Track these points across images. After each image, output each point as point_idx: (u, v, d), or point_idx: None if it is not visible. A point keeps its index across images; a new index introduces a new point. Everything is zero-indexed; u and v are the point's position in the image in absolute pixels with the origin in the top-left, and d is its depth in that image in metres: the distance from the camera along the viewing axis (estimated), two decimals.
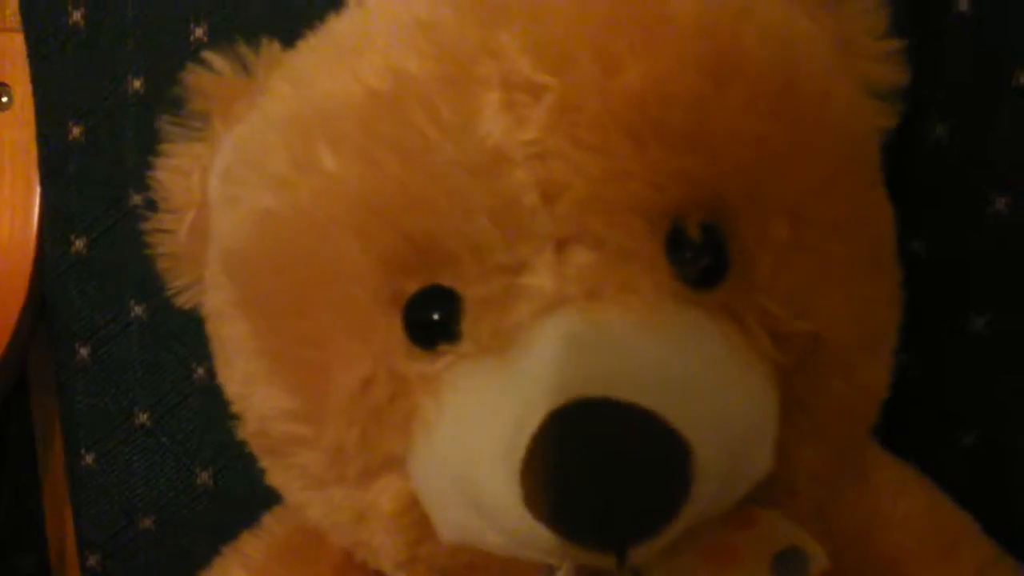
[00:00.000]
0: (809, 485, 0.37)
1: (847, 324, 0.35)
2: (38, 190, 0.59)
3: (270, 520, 0.45)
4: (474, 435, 0.32)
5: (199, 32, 0.56)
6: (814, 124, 0.34)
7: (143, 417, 0.59)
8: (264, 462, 0.40)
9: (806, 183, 0.34)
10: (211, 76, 0.39)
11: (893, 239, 0.38)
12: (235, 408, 0.39)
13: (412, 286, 0.34)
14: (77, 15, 0.58)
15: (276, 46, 0.39)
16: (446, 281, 0.33)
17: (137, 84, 0.57)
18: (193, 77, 0.39)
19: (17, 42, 0.59)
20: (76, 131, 0.58)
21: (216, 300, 0.39)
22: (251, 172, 0.37)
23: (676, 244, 0.33)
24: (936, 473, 0.45)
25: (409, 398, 0.34)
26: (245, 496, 0.52)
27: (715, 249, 0.33)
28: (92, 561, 0.60)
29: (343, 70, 0.35)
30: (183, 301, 0.41)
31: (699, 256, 0.33)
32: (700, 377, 0.31)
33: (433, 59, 0.33)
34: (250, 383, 0.38)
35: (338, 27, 0.38)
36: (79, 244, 0.58)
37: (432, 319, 0.33)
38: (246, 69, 0.39)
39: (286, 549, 0.43)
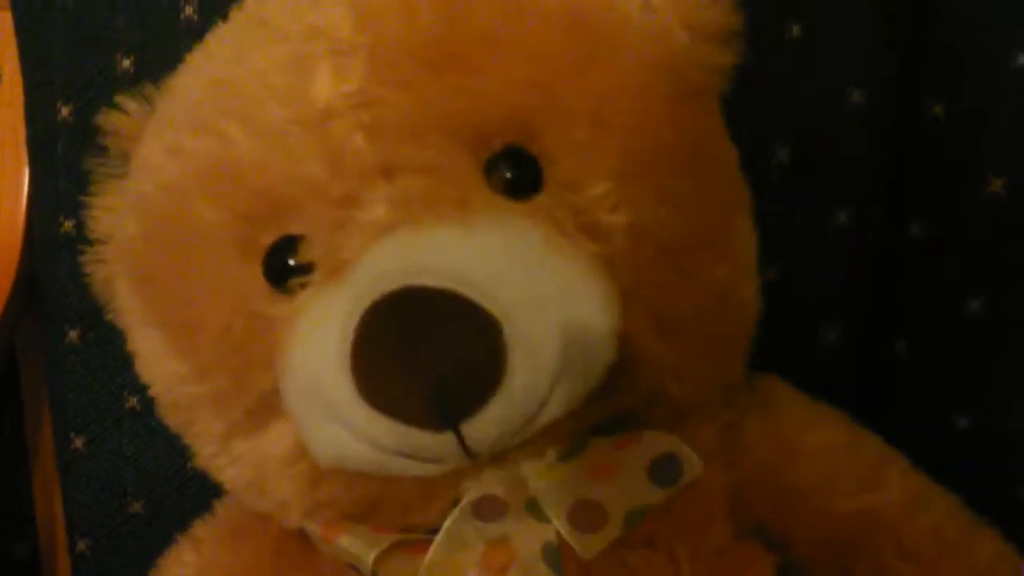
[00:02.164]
0: (678, 387, 0.39)
1: (669, 218, 0.37)
2: (27, 170, 0.59)
3: (219, 505, 0.47)
4: (315, 346, 0.35)
5: (189, 10, 0.56)
6: (605, 46, 0.38)
7: (133, 401, 0.58)
8: (186, 440, 0.43)
9: (600, 93, 0.37)
10: (123, 117, 0.44)
11: (723, 151, 0.41)
12: (151, 392, 0.43)
13: (268, 238, 0.37)
14: None
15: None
16: (297, 230, 0.37)
17: (127, 63, 0.57)
18: (108, 121, 0.44)
19: (5, 21, 0.58)
20: (65, 111, 0.58)
21: (120, 295, 0.43)
22: (136, 173, 0.42)
23: (494, 164, 0.37)
24: (930, 455, 0.44)
25: (272, 334, 0.37)
26: None
27: (526, 162, 0.37)
28: (82, 546, 0.59)
29: (201, 70, 0.41)
30: (119, 323, 0.44)
31: (513, 170, 0.37)
32: (510, 266, 0.35)
33: (271, 45, 0.38)
34: (151, 358, 0.41)
35: (208, 39, 0.42)
36: (68, 225, 0.58)
37: (288, 264, 0.37)
38: (151, 104, 0.43)
39: (231, 530, 0.46)
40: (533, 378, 0.34)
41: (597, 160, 0.37)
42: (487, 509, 0.38)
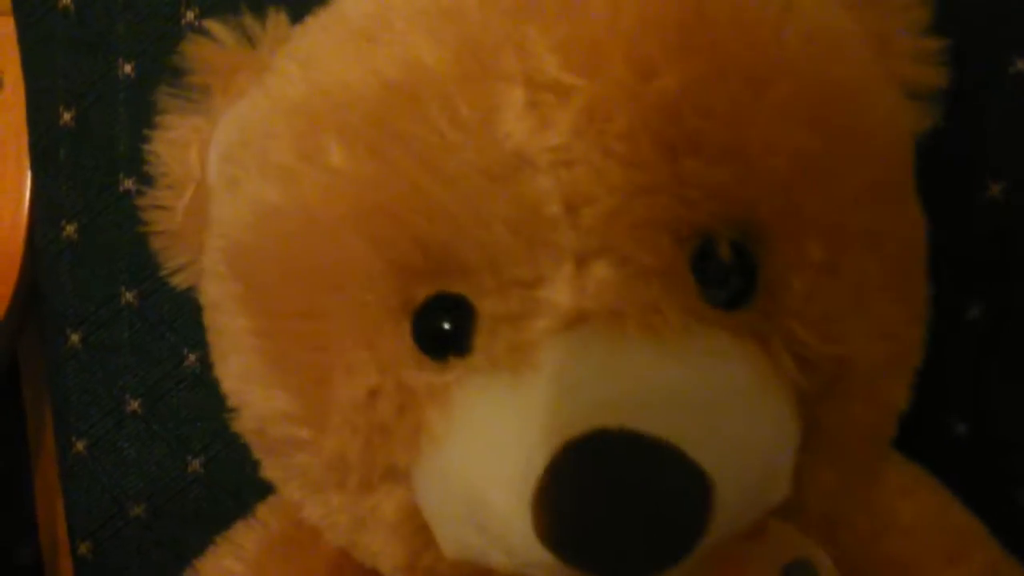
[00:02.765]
0: (822, 501, 0.36)
1: (875, 348, 0.34)
2: (29, 174, 0.59)
3: (265, 511, 0.43)
4: (485, 457, 0.30)
5: (190, 15, 0.56)
6: (854, 133, 0.33)
7: (134, 404, 0.58)
8: (261, 458, 0.39)
9: (844, 199, 0.32)
10: (212, 46, 0.37)
11: (924, 253, 0.37)
12: (231, 402, 0.38)
13: (423, 293, 0.32)
14: None
15: (284, 19, 0.37)
16: (459, 289, 0.32)
17: (128, 68, 0.57)
18: (193, 46, 0.37)
19: (7, 26, 0.58)
20: (67, 116, 0.58)
21: (215, 291, 0.37)
22: (254, 158, 0.35)
23: (704, 263, 0.31)
24: (928, 461, 0.44)
25: (416, 411, 0.32)
26: (237, 484, 0.52)
27: (745, 270, 0.32)
28: (83, 549, 0.59)
29: (357, 56, 0.33)
30: (178, 281, 0.40)
31: (728, 277, 0.31)
32: (722, 406, 0.30)
33: (453, 50, 0.31)
34: (248, 380, 0.36)
35: (352, 7, 0.35)
36: (70, 230, 0.58)
37: (443, 328, 0.32)
38: (250, 41, 0.37)
39: (281, 542, 0.42)
40: (722, 532, 0.30)
41: (826, 283, 0.32)
42: None
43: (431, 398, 0.32)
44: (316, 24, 0.36)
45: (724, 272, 0.31)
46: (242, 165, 0.35)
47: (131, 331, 0.58)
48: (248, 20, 0.37)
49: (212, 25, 0.37)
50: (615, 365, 0.30)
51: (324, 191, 0.32)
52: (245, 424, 0.38)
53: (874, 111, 0.34)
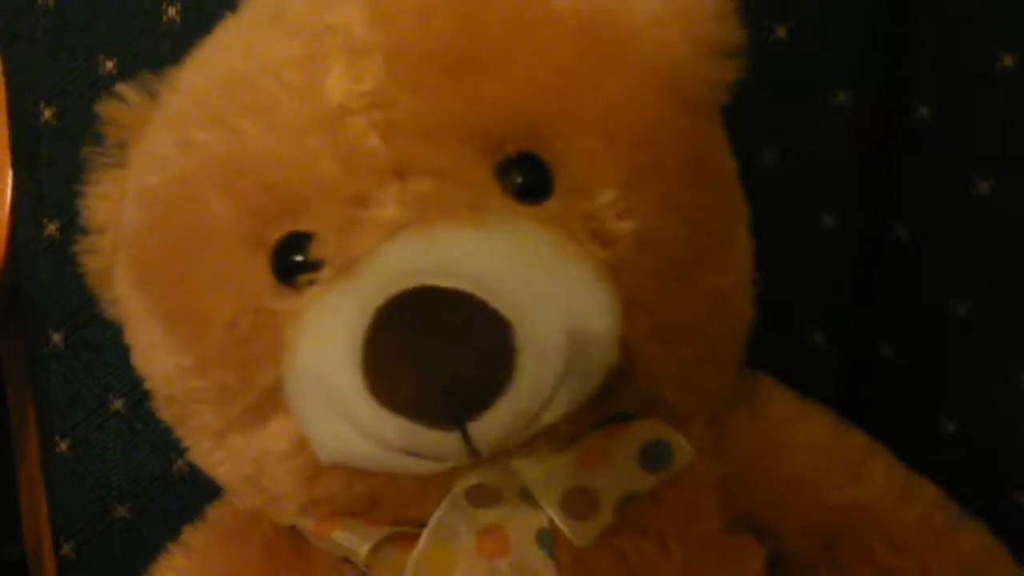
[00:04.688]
0: (673, 391, 0.39)
1: (673, 227, 0.38)
2: (11, 172, 0.59)
3: (210, 510, 0.48)
4: (324, 343, 0.36)
5: (171, 12, 0.55)
6: (614, 43, 0.38)
7: (118, 404, 0.58)
8: (180, 435, 0.43)
9: (611, 104, 0.38)
10: (122, 107, 0.43)
11: (723, 162, 0.41)
12: (148, 385, 0.43)
13: (276, 233, 0.37)
14: None
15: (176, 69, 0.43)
16: (306, 227, 0.37)
17: (109, 65, 0.57)
18: (107, 110, 0.43)
19: None
20: (48, 113, 0.57)
21: (119, 289, 0.42)
22: (144, 165, 0.41)
23: (505, 168, 0.37)
24: (918, 459, 0.44)
25: (278, 330, 0.37)
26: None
27: (537, 167, 0.37)
28: (67, 549, 0.59)
29: (213, 63, 0.41)
30: (113, 315, 0.44)
31: (524, 175, 0.37)
32: (521, 268, 0.35)
33: (285, 41, 0.38)
34: (151, 351, 0.41)
35: (217, 33, 0.42)
36: (52, 228, 0.58)
37: (295, 260, 0.37)
38: (152, 96, 0.43)
39: (221, 533, 0.46)
40: (540, 379, 0.34)
41: (607, 169, 0.37)
42: (479, 497, 0.39)
43: (290, 320, 0.37)
44: (190, 59, 0.43)
45: (520, 173, 0.37)
46: (136, 178, 0.42)
47: (114, 331, 0.57)
48: (150, 79, 0.43)
49: (121, 89, 0.43)
50: (425, 248, 0.35)
51: (190, 164, 0.39)
52: (158, 399, 0.43)
53: (634, 27, 0.39)
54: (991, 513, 0.44)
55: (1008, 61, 0.52)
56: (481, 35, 0.37)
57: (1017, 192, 0.52)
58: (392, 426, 0.34)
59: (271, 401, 0.39)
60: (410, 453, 0.35)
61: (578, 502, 0.38)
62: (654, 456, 0.39)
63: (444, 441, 0.34)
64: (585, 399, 0.37)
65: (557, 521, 0.38)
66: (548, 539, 0.38)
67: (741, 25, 0.40)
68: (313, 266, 0.37)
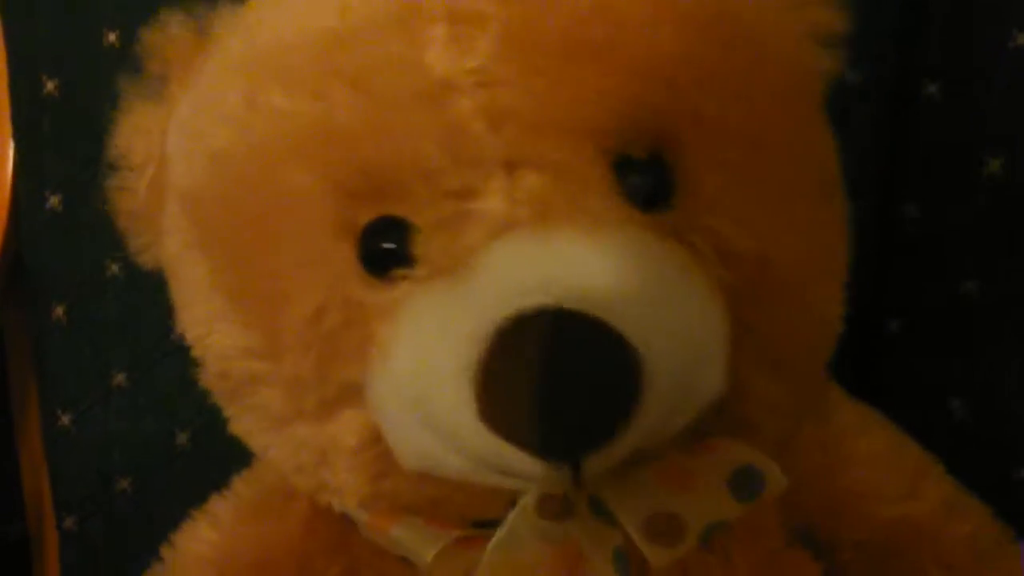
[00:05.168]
0: (768, 418, 0.37)
1: (794, 247, 0.36)
2: (12, 144, 0.58)
3: (238, 483, 0.45)
4: (428, 354, 0.32)
5: None
6: (752, 52, 0.35)
7: (120, 377, 0.58)
8: (227, 408, 0.40)
9: (749, 108, 0.35)
10: (168, 38, 0.40)
11: (837, 170, 0.39)
12: (195, 352, 0.40)
13: (365, 216, 0.34)
14: None
15: (231, 6, 0.40)
16: (399, 211, 0.34)
17: (112, 37, 0.56)
18: (150, 39, 0.40)
19: None
20: (50, 86, 0.57)
21: (174, 244, 0.39)
22: (206, 117, 0.37)
23: (624, 169, 0.34)
24: (925, 438, 0.44)
25: (365, 325, 0.34)
26: (223, 458, 0.51)
27: (661, 172, 0.34)
28: (69, 523, 0.59)
29: (293, 13, 0.36)
30: (143, 260, 0.42)
31: (646, 179, 0.34)
32: (648, 290, 0.32)
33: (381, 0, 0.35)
34: (209, 323, 0.38)
35: None
36: (54, 201, 0.57)
37: (385, 248, 0.34)
38: (202, 30, 0.39)
39: (254, 509, 0.44)
40: (660, 416, 0.32)
41: (740, 181, 0.34)
42: (550, 507, 0.36)
43: (379, 314, 0.34)
44: (256, 1, 0.39)
45: (641, 175, 0.34)
46: (196, 128, 0.38)
47: (117, 304, 0.57)
48: (200, 10, 0.39)
49: (167, 18, 0.40)
50: (544, 257, 0.32)
51: (269, 131, 0.35)
52: (210, 371, 0.39)
53: (773, 37, 0.36)
54: (997, 491, 0.44)
55: (1021, 39, 0.52)
56: (612, 22, 0.33)
57: None
58: (500, 452, 0.31)
59: (348, 396, 0.36)
60: (509, 474, 0.33)
61: (664, 526, 0.35)
62: (745, 483, 0.36)
63: (552, 471, 0.31)
64: (687, 428, 0.34)
65: (638, 542, 0.35)
66: (624, 559, 0.35)
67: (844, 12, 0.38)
68: (406, 256, 0.34)
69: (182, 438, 0.57)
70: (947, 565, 0.42)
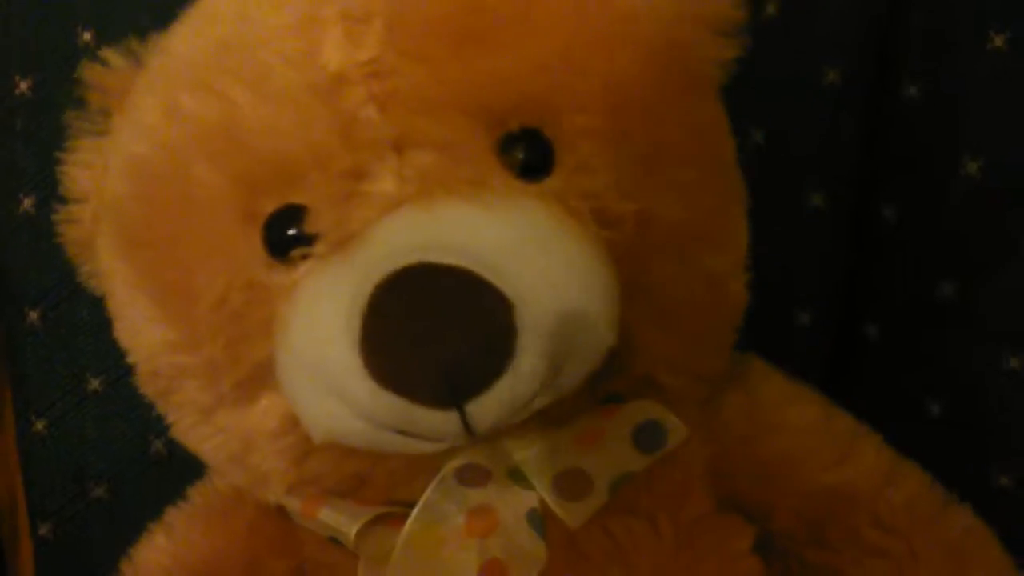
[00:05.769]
0: (668, 374, 0.39)
1: (674, 207, 0.38)
2: None
3: (192, 491, 0.47)
4: (319, 319, 0.34)
5: None
6: (614, 19, 0.38)
7: (95, 383, 0.57)
8: (163, 410, 0.42)
9: (617, 82, 0.37)
10: (106, 72, 0.42)
11: (730, 148, 0.41)
12: (130, 359, 0.42)
13: (270, 206, 0.36)
14: None
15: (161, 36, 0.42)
16: (300, 199, 0.36)
17: (87, 36, 0.56)
18: (90, 74, 0.42)
19: None
20: (24, 85, 0.56)
21: (103, 259, 0.41)
22: (129, 131, 0.40)
23: (506, 144, 0.36)
24: (903, 441, 0.44)
25: (269, 305, 0.36)
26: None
27: (540, 145, 0.37)
28: (43, 530, 0.59)
29: (204, 30, 0.39)
30: (92, 286, 0.43)
31: (527, 153, 0.36)
32: (523, 246, 0.34)
33: (280, 7, 0.37)
34: (136, 324, 0.40)
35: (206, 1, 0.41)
36: (28, 203, 0.57)
37: (288, 234, 0.36)
38: (137, 61, 0.41)
39: (204, 513, 0.46)
40: (540, 360, 0.33)
41: (609, 147, 0.37)
42: (469, 477, 0.38)
43: (282, 293, 0.36)
44: (177, 24, 0.41)
45: (523, 150, 0.36)
46: (122, 143, 0.40)
47: (91, 309, 0.56)
48: (133, 44, 0.42)
49: (105, 54, 0.42)
50: (426, 224, 0.34)
51: (180, 133, 0.38)
52: (142, 373, 0.42)
53: (633, 5, 0.38)
54: (975, 494, 0.44)
55: (998, 41, 0.52)
56: (485, 8, 0.36)
57: (1005, 173, 0.52)
58: (388, 405, 0.33)
59: (261, 377, 0.38)
60: (405, 432, 0.34)
61: (571, 483, 0.38)
62: (648, 436, 0.39)
63: (441, 421, 0.33)
64: (582, 381, 0.36)
65: (549, 502, 0.38)
66: (539, 519, 0.38)
67: (741, 3, 0.39)
68: (307, 240, 0.36)
69: (158, 445, 0.57)
70: (886, 528, 0.43)
